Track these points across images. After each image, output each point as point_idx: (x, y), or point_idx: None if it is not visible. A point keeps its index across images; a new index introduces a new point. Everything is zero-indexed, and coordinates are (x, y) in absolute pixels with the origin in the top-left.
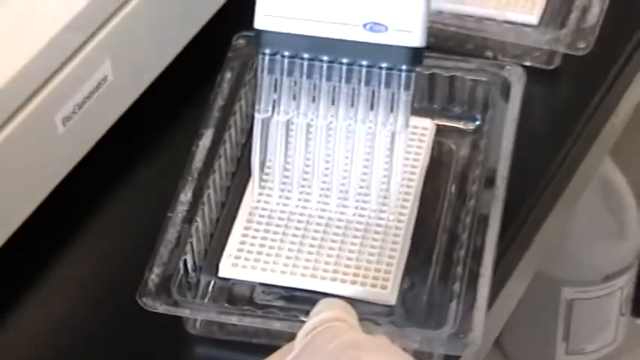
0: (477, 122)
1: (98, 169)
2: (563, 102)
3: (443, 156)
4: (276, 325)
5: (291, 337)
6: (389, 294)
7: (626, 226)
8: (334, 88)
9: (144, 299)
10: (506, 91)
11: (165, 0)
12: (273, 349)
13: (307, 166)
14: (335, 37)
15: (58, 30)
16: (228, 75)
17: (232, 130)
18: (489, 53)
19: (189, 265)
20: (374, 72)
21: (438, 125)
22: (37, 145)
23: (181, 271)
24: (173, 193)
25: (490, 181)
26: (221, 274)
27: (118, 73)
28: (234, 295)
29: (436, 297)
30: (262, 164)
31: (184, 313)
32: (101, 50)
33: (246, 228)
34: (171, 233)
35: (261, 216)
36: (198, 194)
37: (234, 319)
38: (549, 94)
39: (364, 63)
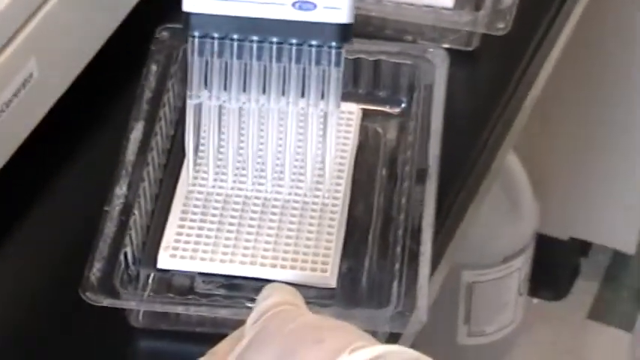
0: (403, 105)
1: (29, 165)
2: (483, 83)
3: (370, 140)
4: (222, 313)
5: (236, 324)
6: (329, 277)
7: (521, 207)
8: (265, 68)
9: (87, 294)
10: (430, 73)
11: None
12: (218, 337)
13: (241, 148)
14: (264, 17)
15: None
16: (153, 67)
17: (162, 122)
18: (409, 37)
19: (129, 258)
20: (304, 50)
21: (363, 110)
22: None
23: (122, 265)
24: (105, 186)
25: (422, 163)
26: (160, 265)
27: (43, 69)
28: (174, 285)
29: (376, 278)
30: (196, 149)
31: (130, 305)
32: (26, 48)
33: (182, 219)
34: (109, 227)
35: (196, 206)
36: (133, 187)
37: (179, 309)
38: (469, 75)
39: (294, 41)
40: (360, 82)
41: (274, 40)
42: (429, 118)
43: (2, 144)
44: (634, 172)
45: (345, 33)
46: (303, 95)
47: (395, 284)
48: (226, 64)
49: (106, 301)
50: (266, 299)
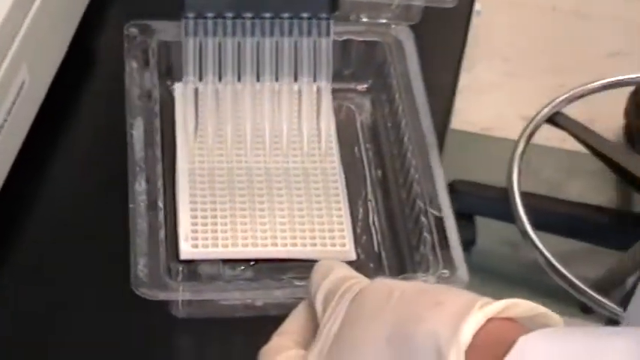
0: (370, 81)
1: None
2: (432, 54)
3: (344, 116)
4: (277, 294)
5: (272, 307)
6: (349, 250)
7: None
8: (258, 43)
9: (140, 289)
10: (398, 49)
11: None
12: (255, 320)
13: (238, 124)
14: None
15: None
16: (134, 64)
17: (158, 118)
18: (353, 15)
19: (167, 251)
20: (295, 22)
21: (334, 88)
22: None
23: (162, 258)
24: (104, 180)
25: (418, 135)
26: (183, 256)
27: (32, 74)
28: (201, 274)
29: (393, 246)
30: (195, 130)
31: (185, 296)
32: (19, 56)
33: (192, 201)
34: (141, 224)
35: (203, 187)
36: (151, 182)
37: (236, 295)
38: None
39: (286, 15)
40: None
41: (267, 15)
42: (408, 91)
43: (9, 149)
44: None
45: (334, 4)
46: (295, 69)
47: (425, 250)
48: (220, 44)
49: (162, 295)
50: (328, 275)
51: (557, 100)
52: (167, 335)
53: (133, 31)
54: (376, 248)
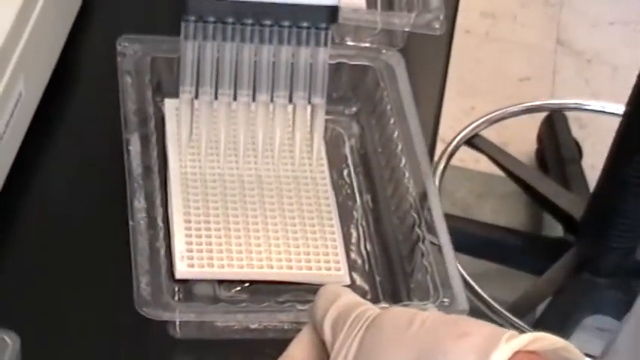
0: (358, 105)
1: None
2: (416, 79)
3: (333, 138)
4: (282, 318)
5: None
6: (343, 275)
7: None
8: (256, 49)
9: (144, 309)
10: (389, 74)
11: (46, 13)
12: (251, 342)
13: (232, 135)
14: (258, 1)
15: None
16: (128, 79)
17: (154, 135)
18: (339, 38)
19: (167, 270)
20: (294, 31)
21: None
22: None
23: (163, 278)
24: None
25: (413, 160)
26: (179, 276)
27: (28, 86)
28: (195, 294)
29: (387, 272)
30: (188, 139)
31: (189, 317)
32: (17, 69)
33: (186, 227)
34: (142, 241)
35: (196, 203)
36: (149, 199)
37: (239, 317)
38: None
39: (286, 24)
40: None
41: (267, 22)
42: (401, 117)
43: (6, 161)
44: None
45: (333, 14)
46: (292, 77)
47: (422, 277)
48: (218, 49)
49: (165, 315)
50: (335, 301)
51: (477, 122)
52: (164, 356)
53: (126, 45)
54: (369, 273)
